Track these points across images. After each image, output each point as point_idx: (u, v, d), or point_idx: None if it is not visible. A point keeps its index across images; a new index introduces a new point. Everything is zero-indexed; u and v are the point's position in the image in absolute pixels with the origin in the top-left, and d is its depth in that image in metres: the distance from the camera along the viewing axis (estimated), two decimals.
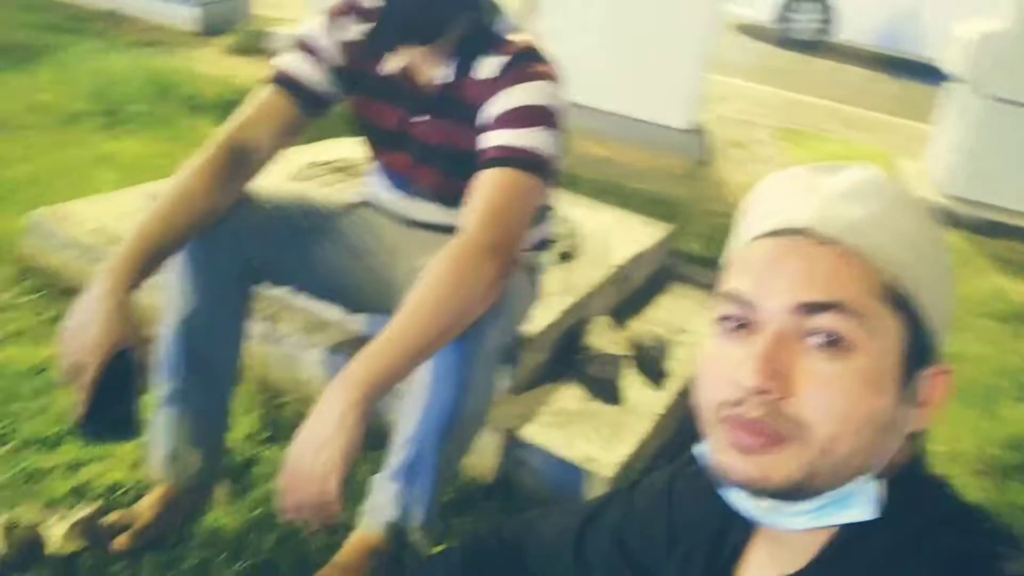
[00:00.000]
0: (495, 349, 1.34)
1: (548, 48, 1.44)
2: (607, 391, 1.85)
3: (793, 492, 0.65)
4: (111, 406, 1.21)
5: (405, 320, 1.19)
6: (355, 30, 1.47)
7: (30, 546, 1.34)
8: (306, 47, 1.47)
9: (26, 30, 4.36)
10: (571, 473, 1.65)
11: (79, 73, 3.61)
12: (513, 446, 1.70)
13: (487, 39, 1.42)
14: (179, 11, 5.11)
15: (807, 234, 0.66)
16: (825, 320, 0.63)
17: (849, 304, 0.63)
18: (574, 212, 2.49)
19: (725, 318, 0.68)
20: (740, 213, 0.75)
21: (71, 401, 1.21)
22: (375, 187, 1.66)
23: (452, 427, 1.32)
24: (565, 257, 2.20)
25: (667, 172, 4.11)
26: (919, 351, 0.67)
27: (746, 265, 0.69)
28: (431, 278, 1.23)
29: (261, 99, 1.44)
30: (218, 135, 1.40)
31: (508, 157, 1.34)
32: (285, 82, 1.45)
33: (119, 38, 4.50)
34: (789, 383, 0.63)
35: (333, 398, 1.12)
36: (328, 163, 2.53)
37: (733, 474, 0.66)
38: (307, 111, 1.46)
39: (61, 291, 2.13)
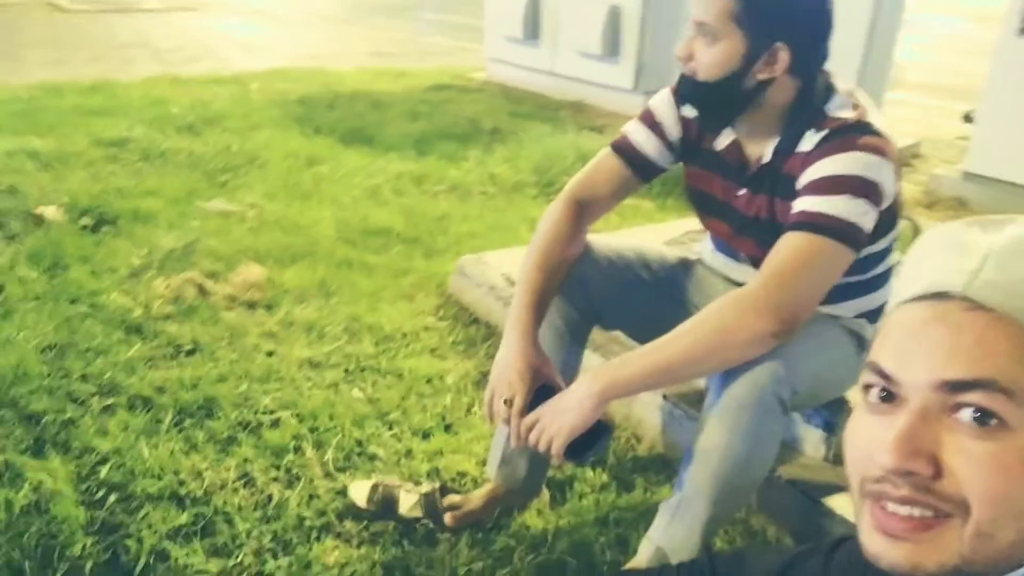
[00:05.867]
0: (775, 401, 1.37)
1: (881, 123, 1.44)
2: None
3: None
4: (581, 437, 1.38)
5: (662, 343, 1.34)
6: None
7: (387, 504, 1.71)
8: (648, 119, 1.66)
9: (503, 116, 5.26)
10: None
11: (528, 151, 4.28)
12: (818, 513, 1.67)
13: (813, 116, 1.44)
14: (630, 99, 5.68)
15: (956, 299, 0.61)
16: (974, 398, 0.58)
17: (1001, 380, 0.58)
18: None
19: (869, 388, 0.65)
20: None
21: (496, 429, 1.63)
22: (707, 247, 1.79)
23: (721, 470, 1.38)
24: None
25: None
26: None
27: (890, 334, 0.65)
28: (701, 315, 1.34)
29: (602, 162, 1.67)
30: (567, 190, 1.66)
31: (807, 222, 1.37)
32: (623, 149, 1.66)
33: (574, 123, 5.18)
34: (936, 462, 0.59)
35: (582, 384, 1.36)
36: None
37: (881, 560, 0.63)
38: (639, 176, 1.65)
39: (469, 321, 2.59)
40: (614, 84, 5.71)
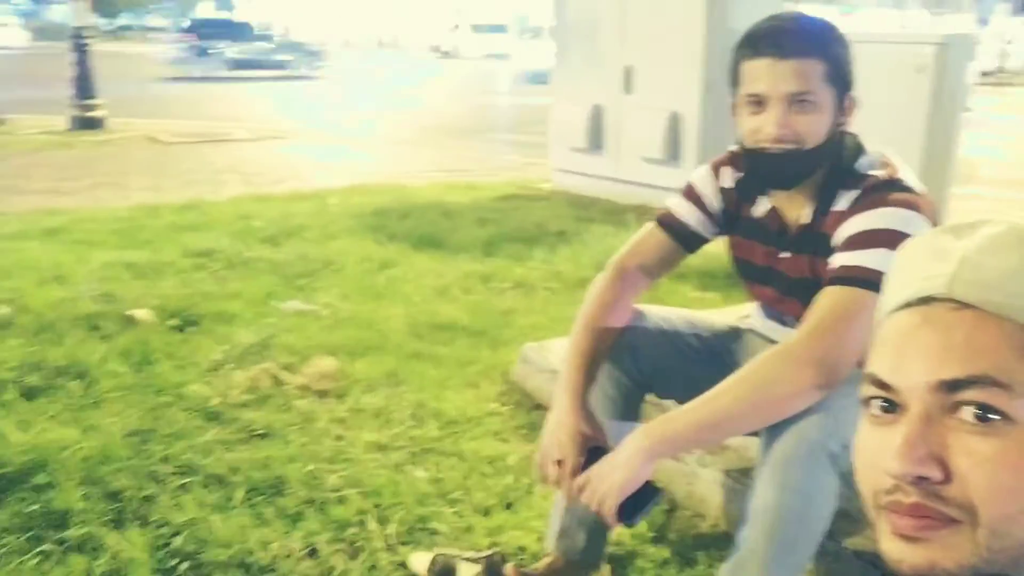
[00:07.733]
0: (823, 455, 1.37)
1: (913, 181, 1.49)
2: None
3: None
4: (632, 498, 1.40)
5: (707, 399, 1.36)
6: (732, 178, 1.70)
7: (446, 574, 1.73)
8: (690, 193, 1.74)
9: (569, 220, 5.41)
10: None
11: (592, 250, 4.39)
12: None
13: (847, 177, 1.50)
14: None
15: (941, 302, 0.63)
16: (972, 395, 0.60)
17: (996, 375, 0.59)
18: None
19: (869, 400, 0.66)
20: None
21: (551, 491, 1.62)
22: (756, 315, 1.82)
23: (774, 528, 1.38)
24: None
25: None
26: None
27: (883, 343, 0.67)
28: (745, 370, 1.37)
29: (648, 234, 1.75)
30: (612, 260, 1.74)
31: (844, 276, 1.41)
32: (667, 222, 1.73)
33: (638, 224, 5.28)
34: (944, 465, 0.60)
35: (631, 441, 1.38)
36: None
37: (901, 565, 0.62)
38: (684, 246, 1.72)
39: (532, 407, 2.64)
40: (677, 186, 5.83)
